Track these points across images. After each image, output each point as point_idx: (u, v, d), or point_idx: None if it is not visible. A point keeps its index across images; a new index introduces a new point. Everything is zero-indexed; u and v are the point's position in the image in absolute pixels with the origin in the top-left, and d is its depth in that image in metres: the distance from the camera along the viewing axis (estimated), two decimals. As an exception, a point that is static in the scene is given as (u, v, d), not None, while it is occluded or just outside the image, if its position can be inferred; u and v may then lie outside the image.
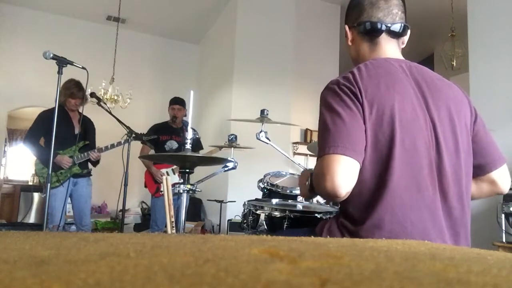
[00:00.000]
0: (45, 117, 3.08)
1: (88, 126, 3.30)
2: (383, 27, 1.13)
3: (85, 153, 3.14)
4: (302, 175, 1.25)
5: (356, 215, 1.02)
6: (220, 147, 2.94)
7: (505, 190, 1.18)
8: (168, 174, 3.61)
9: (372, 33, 1.14)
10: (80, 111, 3.20)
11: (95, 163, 3.26)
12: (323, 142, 0.98)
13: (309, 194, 1.15)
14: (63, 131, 2.96)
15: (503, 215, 2.85)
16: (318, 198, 1.66)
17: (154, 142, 3.54)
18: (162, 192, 3.80)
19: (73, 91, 3.08)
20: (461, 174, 1.05)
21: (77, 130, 3.17)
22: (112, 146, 3.20)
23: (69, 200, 3.23)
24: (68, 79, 3.11)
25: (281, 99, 5.36)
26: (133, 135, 3.10)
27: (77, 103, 3.13)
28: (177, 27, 6.78)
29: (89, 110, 3.34)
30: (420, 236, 0.94)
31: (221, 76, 5.96)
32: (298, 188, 1.25)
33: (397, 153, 0.98)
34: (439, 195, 1.01)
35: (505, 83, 3.39)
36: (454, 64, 4.90)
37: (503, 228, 2.84)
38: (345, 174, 0.93)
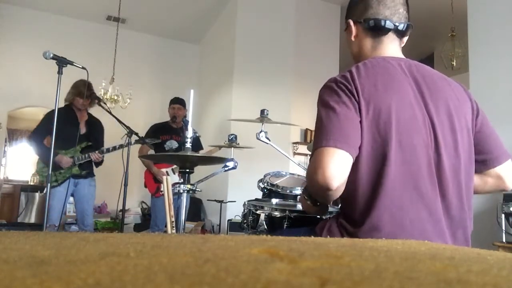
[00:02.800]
0: (51, 116, 3.03)
1: (95, 127, 3.30)
2: (391, 26, 1.12)
3: (86, 154, 3.14)
4: (300, 197, 1.25)
5: (355, 216, 1.02)
6: (220, 147, 2.94)
7: (511, 185, 1.18)
8: (168, 174, 3.61)
9: (378, 30, 1.14)
10: (89, 111, 3.22)
11: (98, 164, 3.26)
12: (317, 137, 0.99)
13: (316, 208, 1.15)
14: (68, 131, 2.97)
15: (503, 215, 2.85)
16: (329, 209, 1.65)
17: (155, 144, 3.54)
18: (162, 192, 3.80)
19: (81, 89, 3.10)
20: (461, 174, 1.04)
21: (82, 131, 3.18)
22: (114, 148, 3.20)
23: (71, 200, 3.24)
24: (79, 79, 3.14)
25: (281, 99, 5.36)
26: (136, 139, 3.10)
27: (84, 103, 3.15)
28: (177, 27, 6.78)
29: (89, 110, 3.35)
30: (420, 236, 0.94)
31: (221, 76, 5.96)
32: (300, 196, 1.24)
33: (393, 153, 0.97)
34: (439, 194, 1.01)
35: (505, 83, 3.39)
36: (454, 64, 4.90)
37: (503, 228, 2.84)
38: (336, 165, 0.93)
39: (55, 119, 2.32)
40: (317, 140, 0.98)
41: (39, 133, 3.08)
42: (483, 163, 1.13)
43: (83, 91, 3.09)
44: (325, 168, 0.92)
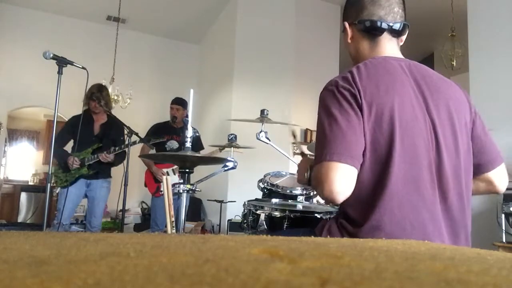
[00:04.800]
0: (70, 122, 3.29)
1: (110, 129, 3.32)
2: (385, 26, 1.12)
3: (95, 155, 3.16)
4: (302, 162, 1.24)
5: (356, 216, 1.02)
6: (221, 149, 2.94)
7: (502, 189, 1.19)
8: (168, 174, 3.61)
9: (373, 31, 1.13)
10: (109, 113, 3.26)
11: (112, 164, 3.28)
12: (320, 148, 0.98)
13: (306, 184, 1.16)
14: (83, 134, 3.01)
15: (503, 215, 2.86)
16: (318, 198, 1.67)
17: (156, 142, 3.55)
18: (162, 192, 3.80)
19: (93, 91, 3.18)
20: (461, 175, 1.04)
21: (96, 133, 3.25)
22: (120, 148, 3.21)
23: (83, 201, 3.32)
24: (94, 84, 3.23)
25: (281, 99, 5.36)
26: (140, 139, 3.11)
27: (96, 105, 3.20)
28: (177, 27, 6.78)
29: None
30: (419, 237, 0.94)
31: (221, 76, 5.96)
32: (297, 174, 1.25)
33: (396, 154, 0.97)
34: (439, 196, 1.01)
35: (505, 83, 3.39)
36: (454, 64, 4.90)
37: (503, 228, 2.85)
38: (342, 181, 0.94)
39: (55, 119, 2.33)
40: (321, 152, 0.97)
41: (58, 139, 3.14)
42: (476, 167, 1.13)
43: (94, 92, 3.18)
44: (331, 185, 0.94)
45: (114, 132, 3.34)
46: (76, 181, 3.13)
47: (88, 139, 3.16)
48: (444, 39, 5.35)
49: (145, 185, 3.75)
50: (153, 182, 3.68)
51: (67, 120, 3.46)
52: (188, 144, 1.68)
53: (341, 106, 0.99)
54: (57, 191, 3.26)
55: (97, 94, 3.16)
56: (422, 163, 0.99)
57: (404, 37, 1.18)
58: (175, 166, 3.65)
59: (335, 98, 1.01)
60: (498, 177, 1.16)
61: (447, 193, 1.01)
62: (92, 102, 3.19)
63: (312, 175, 1.03)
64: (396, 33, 1.14)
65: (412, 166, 0.99)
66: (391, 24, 1.12)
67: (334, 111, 0.99)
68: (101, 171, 3.25)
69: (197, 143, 3.71)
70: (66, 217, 3.01)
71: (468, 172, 1.08)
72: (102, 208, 3.32)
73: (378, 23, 1.11)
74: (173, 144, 3.65)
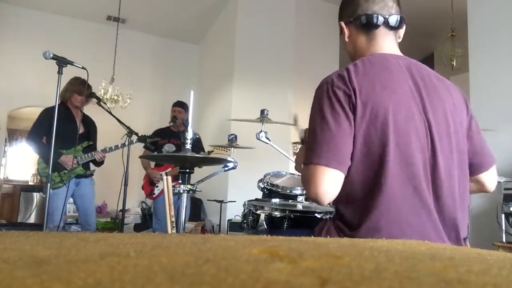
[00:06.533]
0: (48, 115, 2.98)
1: (91, 126, 3.28)
2: (381, 20, 1.12)
3: (90, 154, 3.11)
4: (300, 151, 1.27)
5: (352, 218, 1.02)
6: (223, 147, 2.93)
7: (491, 190, 1.21)
8: (161, 178, 3.63)
9: (369, 26, 1.14)
10: (83, 110, 3.19)
11: (99, 164, 3.24)
12: (310, 149, 1.01)
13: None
14: (66, 130, 2.92)
15: (503, 215, 2.85)
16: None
17: (155, 146, 3.55)
18: (155, 195, 3.84)
19: (80, 87, 3.04)
20: (455, 175, 1.04)
21: (81, 130, 3.14)
22: (117, 147, 3.17)
23: (70, 200, 3.22)
24: (74, 76, 3.08)
25: (281, 99, 5.36)
26: (137, 137, 3.08)
27: (82, 100, 3.10)
28: (177, 27, 6.78)
29: (89, 110, 3.34)
30: (418, 238, 0.94)
31: (221, 76, 5.96)
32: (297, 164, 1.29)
33: (391, 154, 0.97)
34: (433, 195, 1.00)
35: (505, 83, 3.39)
36: (454, 64, 4.90)
37: (503, 228, 2.84)
38: (328, 185, 0.97)
39: (55, 119, 2.31)
40: (310, 153, 1.00)
41: (37, 132, 3.03)
42: (469, 168, 1.13)
43: (82, 89, 3.04)
44: (317, 187, 0.97)
45: (94, 131, 3.29)
46: (69, 181, 3.07)
47: (73, 135, 2.99)
48: (444, 39, 5.36)
49: (142, 188, 3.77)
50: (148, 184, 3.70)
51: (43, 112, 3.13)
52: (188, 146, 1.68)
53: (333, 107, 1.00)
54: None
55: (87, 92, 3.05)
56: (417, 163, 0.99)
57: (401, 32, 1.18)
58: (169, 169, 3.67)
59: (328, 99, 1.01)
60: (489, 179, 1.17)
61: (441, 193, 1.01)
62: (78, 97, 3.05)
63: (301, 174, 1.06)
64: (392, 27, 1.14)
65: (407, 166, 0.98)
66: (387, 17, 1.12)
67: (326, 112, 1.00)
68: (92, 169, 3.25)
69: (197, 145, 3.72)
70: (59, 218, 2.94)
71: (463, 172, 1.07)
72: (94, 205, 3.30)
73: (374, 17, 1.12)
74: (170, 147, 3.66)
